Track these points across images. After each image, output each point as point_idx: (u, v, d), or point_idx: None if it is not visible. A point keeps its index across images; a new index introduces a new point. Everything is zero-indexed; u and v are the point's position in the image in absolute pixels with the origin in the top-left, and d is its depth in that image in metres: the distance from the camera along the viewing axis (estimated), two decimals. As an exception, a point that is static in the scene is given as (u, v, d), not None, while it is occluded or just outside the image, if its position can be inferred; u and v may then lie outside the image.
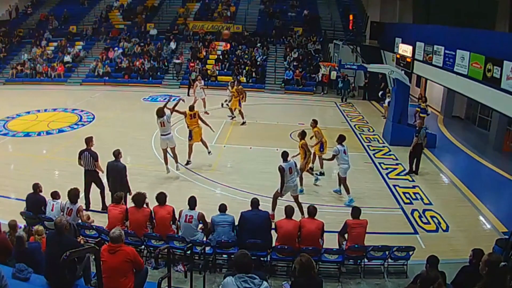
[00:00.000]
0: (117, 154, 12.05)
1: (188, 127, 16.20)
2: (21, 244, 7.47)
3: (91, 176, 12.39)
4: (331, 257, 9.49)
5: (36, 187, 10.67)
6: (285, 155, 12.28)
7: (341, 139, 13.87)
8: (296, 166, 12.54)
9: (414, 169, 16.40)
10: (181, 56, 33.78)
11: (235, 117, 22.84)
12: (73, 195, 10.18)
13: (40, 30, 37.84)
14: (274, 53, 35.24)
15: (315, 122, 15.71)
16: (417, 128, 16.18)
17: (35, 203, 10.51)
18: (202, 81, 25.04)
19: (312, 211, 9.74)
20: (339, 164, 13.83)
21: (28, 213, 10.33)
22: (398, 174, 16.46)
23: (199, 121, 16.30)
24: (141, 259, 7.61)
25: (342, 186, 14.03)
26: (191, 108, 16.53)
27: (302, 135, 14.09)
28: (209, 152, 16.43)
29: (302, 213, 11.78)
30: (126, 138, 19.45)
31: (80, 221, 10.11)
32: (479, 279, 6.39)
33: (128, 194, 11.61)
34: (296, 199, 12.40)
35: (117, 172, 11.89)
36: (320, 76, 31.00)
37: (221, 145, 18.77)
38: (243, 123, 22.16)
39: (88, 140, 12.53)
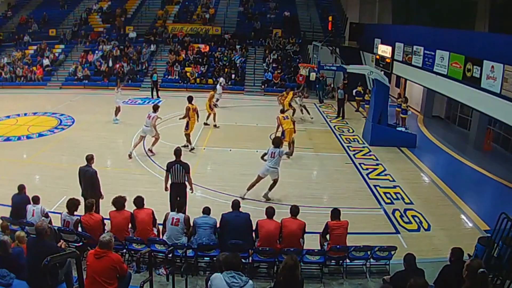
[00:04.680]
0: (89, 159, 11.63)
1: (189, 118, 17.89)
2: (5, 249, 7.24)
3: (178, 190, 11.62)
4: (313, 258, 9.36)
5: (21, 188, 10.63)
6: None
7: None
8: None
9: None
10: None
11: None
12: (70, 205, 9.66)
13: (20, 33, 37.28)
14: (253, 55, 35.20)
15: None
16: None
17: (20, 203, 10.39)
18: (119, 89, 22.98)
19: (295, 210, 9.61)
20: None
21: (7, 218, 10.10)
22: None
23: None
24: (125, 266, 7.49)
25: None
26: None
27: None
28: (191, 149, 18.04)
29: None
30: (106, 141, 19.26)
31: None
32: (460, 278, 6.35)
33: (100, 199, 11.39)
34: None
35: (88, 178, 11.47)
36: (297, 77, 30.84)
37: (201, 147, 18.58)
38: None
39: (179, 152, 11.84)
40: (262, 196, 13.63)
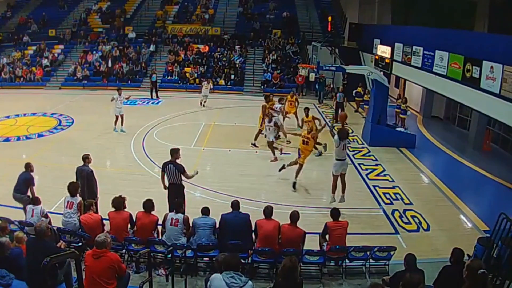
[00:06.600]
0: (85, 158, 11.75)
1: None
2: (3, 250, 7.24)
3: (175, 190, 11.52)
4: (313, 259, 9.34)
5: (28, 166, 11.67)
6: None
7: None
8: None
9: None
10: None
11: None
12: (73, 188, 10.18)
13: (19, 33, 37.26)
14: (253, 55, 35.16)
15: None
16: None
17: (25, 180, 11.43)
18: (122, 96, 20.65)
19: (294, 217, 9.40)
20: None
21: (7, 218, 10.07)
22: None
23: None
24: (124, 266, 7.52)
25: None
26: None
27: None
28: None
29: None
30: (105, 141, 19.27)
31: (79, 214, 9.99)
32: (460, 279, 6.35)
33: (95, 199, 11.27)
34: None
35: (84, 177, 11.54)
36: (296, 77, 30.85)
37: (200, 148, 18.57)
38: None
39: (174, 152, 11.61)
40: (339, 202, 13.09)
